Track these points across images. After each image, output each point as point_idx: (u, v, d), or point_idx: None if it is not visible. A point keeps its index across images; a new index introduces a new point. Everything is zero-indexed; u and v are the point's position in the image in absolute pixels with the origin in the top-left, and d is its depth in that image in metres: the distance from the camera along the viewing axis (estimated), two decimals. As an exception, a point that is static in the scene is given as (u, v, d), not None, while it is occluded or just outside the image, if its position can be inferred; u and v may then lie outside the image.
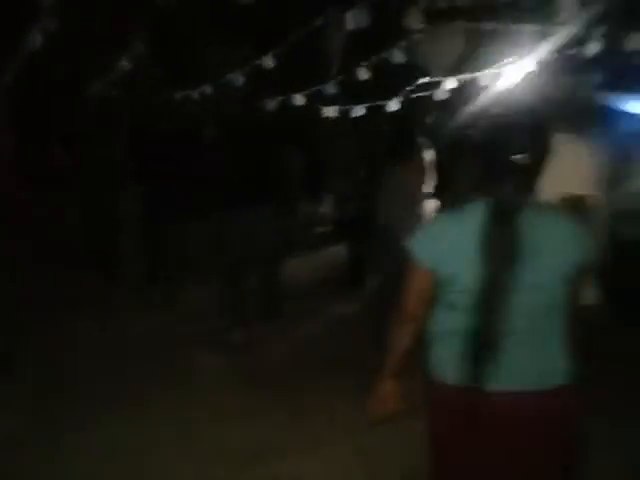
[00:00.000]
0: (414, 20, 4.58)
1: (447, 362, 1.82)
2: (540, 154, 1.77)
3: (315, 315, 6.04)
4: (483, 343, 1.69)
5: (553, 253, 1.70)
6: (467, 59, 6.61)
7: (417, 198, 4.88)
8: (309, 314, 6.04)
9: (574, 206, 3.32)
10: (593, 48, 7.47)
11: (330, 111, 9.57)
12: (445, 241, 1.78)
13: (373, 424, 2.15)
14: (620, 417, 3.65)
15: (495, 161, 1.76)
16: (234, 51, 7.81)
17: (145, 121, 7.92)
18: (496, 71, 8.70)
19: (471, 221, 1.74)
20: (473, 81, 8.96)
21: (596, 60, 8.65)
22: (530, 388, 1.74)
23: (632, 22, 5.73)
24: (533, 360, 1.75)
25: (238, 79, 6.49)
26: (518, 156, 1.70)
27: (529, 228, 1.67)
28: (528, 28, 5.64)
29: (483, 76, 8.39)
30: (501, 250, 1.65)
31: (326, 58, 9.05)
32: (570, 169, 3.37)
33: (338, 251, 7.74)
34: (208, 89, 6.65)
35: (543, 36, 6.89)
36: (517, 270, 1.66)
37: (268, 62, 6.60)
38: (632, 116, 10.14)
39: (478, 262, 1.70)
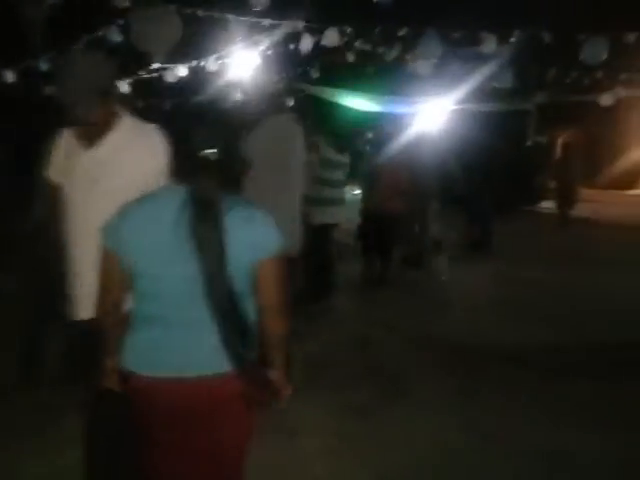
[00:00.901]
0: (120, -3, 4.37)
1: (137, 350, 1.78)
2: (230, 151, 1.82)
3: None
4: (164, 331, 1.72)
5: (241, 245, 1.72)
6: (185, 44, 6.60)
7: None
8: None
9: None
10: (306, 45, 8.13)
11: (47, 90, 8.80)
12: (136, 225, 1.71)
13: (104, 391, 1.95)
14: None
15: (187, 155, 1.76)
16: None
17: None
18: (217, 61, 8.94)
19: (166, 209, 1.69)
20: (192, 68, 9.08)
21: (310, 56, 9.44)
22: (208, 373, 1.74)
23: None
24: (211, 346, 1.73)
25: None
26: (208, 152, 1.74)
27: (225, 221, 1.69)
28: (242, 19, 5.81)
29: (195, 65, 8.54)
30: (207, 243, 1.66)
31: (27, 33, 8.25)
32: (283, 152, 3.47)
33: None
34: None
35: (261, 29, 7.26)
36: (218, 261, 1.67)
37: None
38: (344, 109, 11.34)
39: (176, 252, 1.67)
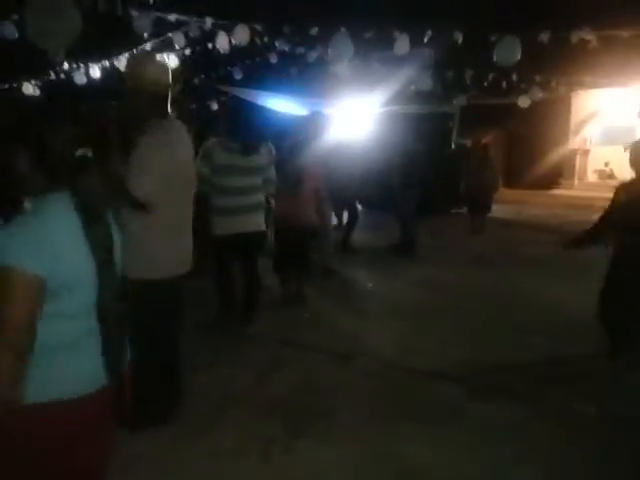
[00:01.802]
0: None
1: (72, 375, 1.60)
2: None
3: None
4: (110, 340, 1.66)
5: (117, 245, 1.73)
6: (94, 42, 6.24)
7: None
8: None
9: None
10: (222, 44, 7.87)
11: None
12: (50, 242, 1.50)
13: None
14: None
15: (61, 157, 1.67)
16: None
17: None
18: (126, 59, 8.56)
19: (66, 217, 1.56)
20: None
21: (231, 56, 9.18)
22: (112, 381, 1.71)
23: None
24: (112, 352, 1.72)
25: None
26: (80, 151, 1.60)
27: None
28: (146, 15, 5.50)
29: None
30: (101, 247, 1.62)
31: None
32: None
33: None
34: None
35: (170, 27, 6.96)
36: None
37: None
38: (267, 111, 11.08)
39: (87, 261, 1.58)
